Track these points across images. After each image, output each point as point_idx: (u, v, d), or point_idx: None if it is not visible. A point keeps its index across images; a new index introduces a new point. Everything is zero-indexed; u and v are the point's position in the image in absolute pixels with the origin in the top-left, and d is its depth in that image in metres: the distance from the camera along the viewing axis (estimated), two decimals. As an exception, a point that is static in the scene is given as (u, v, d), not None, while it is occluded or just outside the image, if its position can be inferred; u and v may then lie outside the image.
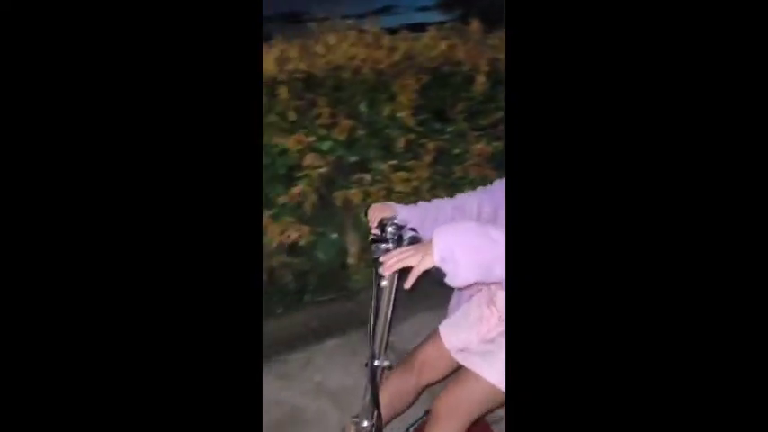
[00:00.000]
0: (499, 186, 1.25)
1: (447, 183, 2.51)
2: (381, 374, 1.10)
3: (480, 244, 0.81)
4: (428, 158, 2.45)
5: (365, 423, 1.09)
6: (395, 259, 0.85)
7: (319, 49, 2.46)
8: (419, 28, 2.86)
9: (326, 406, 1.77)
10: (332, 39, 2.50)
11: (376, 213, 1.10)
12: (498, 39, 2.69)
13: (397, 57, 2.47)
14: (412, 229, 1.00)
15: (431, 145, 2.46)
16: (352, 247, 2.45)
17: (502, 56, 2.52)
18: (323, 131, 2.32)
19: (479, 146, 2.53)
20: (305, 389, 1.85)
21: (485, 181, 1.57)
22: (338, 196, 2.35)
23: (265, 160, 2.21)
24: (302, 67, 2.36)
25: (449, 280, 0.81)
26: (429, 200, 1.20)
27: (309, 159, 2.27)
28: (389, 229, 1.01)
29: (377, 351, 1.03)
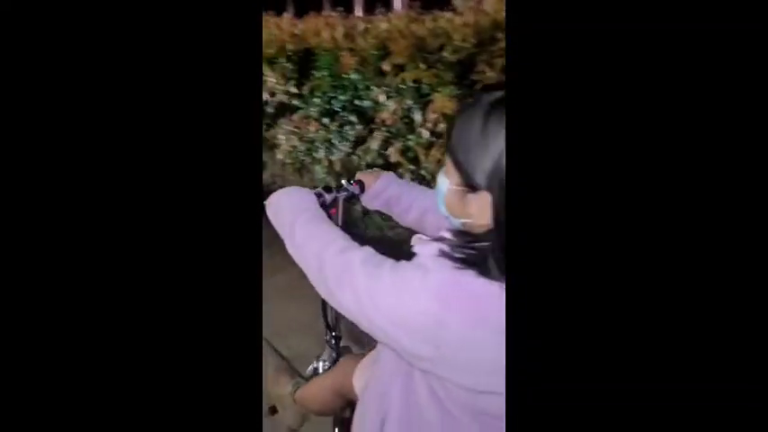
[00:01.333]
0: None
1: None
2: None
3: (288, 206, 0.81)
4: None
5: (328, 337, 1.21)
6: None
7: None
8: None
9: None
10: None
11: (360, 175, 1.11)
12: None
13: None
14: (353, 196, 1.06)
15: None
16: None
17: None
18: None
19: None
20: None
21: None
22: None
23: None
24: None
25: None
26: None
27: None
28: (342, 185, 1.07)
29: None
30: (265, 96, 3.04)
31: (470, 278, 0.60)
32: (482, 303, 0.59)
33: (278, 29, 3.14)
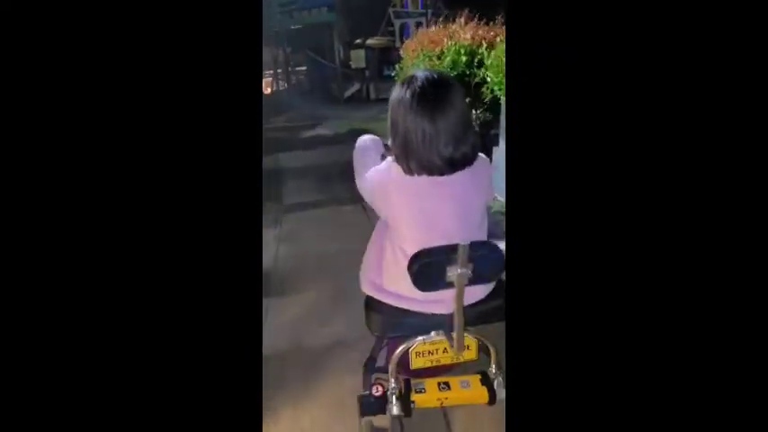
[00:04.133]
0: None
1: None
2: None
3: (364, 152, 1.42)
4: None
5: None
6: None
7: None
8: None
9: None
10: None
11: None
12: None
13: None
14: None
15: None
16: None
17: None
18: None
19: None
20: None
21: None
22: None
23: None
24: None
25: None
26: None
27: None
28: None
29: None
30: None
31: (394, 164, 1.24)
32: (393, 175, 1.23)
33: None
